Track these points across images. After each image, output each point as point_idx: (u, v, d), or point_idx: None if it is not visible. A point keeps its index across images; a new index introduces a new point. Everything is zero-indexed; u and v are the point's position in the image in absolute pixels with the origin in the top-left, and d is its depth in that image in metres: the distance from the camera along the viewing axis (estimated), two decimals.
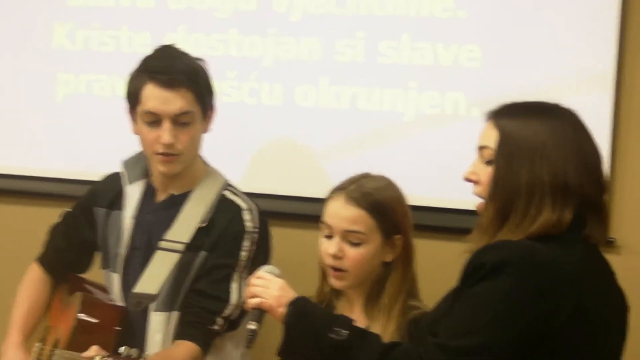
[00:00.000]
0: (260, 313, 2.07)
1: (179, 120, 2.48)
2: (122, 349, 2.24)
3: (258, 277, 2.13)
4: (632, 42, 2.75)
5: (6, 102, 3.18)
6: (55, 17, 3.11)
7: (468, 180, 2.07)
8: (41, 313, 2.72)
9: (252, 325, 2.06)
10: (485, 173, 2.02)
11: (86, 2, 3.09)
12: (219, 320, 2.50)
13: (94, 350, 2.27)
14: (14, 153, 3.16)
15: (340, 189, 2.38)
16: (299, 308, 2.05)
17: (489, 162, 2.01)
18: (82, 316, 2.54)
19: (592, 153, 2.03)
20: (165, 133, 2.47)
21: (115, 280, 2.60)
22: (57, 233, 2.73)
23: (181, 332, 2.51)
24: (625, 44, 2.75)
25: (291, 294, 2.09)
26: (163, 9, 3.04)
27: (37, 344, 2.59)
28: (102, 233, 2.66)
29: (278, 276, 2.14)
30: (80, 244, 2.69)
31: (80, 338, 2.43)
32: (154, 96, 2.47)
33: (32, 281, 2.72)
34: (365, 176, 2.42)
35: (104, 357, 2.25)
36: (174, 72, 2.48)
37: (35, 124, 3.15)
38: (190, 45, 2.82)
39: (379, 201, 2.36)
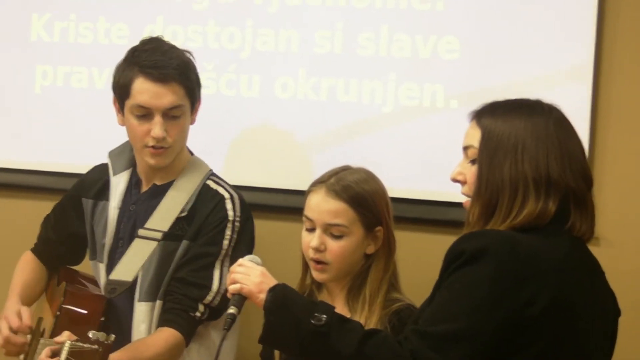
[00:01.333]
0: (240, 299, 2.09)
1: (170, 114, 2.50)
2: (90, 333, 2.26)
3: (240, 265, 2.14)
4: (609, 36, 2.77)
5: None
6: (32, 8, 3.11)
7: (455, 180, 2.09)
8: (37, 291, 2.75)
9: (231, 310, 2.07)
10: (471, 172, 2.04)
11: None
12: (200, 307, 2.51)
13: (65, 335, 2.29)
14: None
15: (320, 182, 2.40)
16: (278, 294, 2.06)
17: (473, 162, 2.04)
18: (66, 306, 2.56)
19: (574, 148, 2.05)
20: (156, 127, 2.49)
21: (101, 271, 2.62)
22: (48, 225, 2.76)
23: (163, 319, 2.53)
24: (602, 38, 2.77)
25: (271, 281, 2.10)
26: (140, 0, 3.05)
27: (28, 336, 2.61)
28: (89, 224, 2.68)
29: (259, 265, 2.15)
30: (70, 236, 2.72)
31: (63, 328, 2.42)
32: (146, 90, 2.50)
33: (28, 261, 2.75)
34: (345, 169, 2.43)
35: (73, 341, 2.27)
36: (165, 66, 2.50)
37: (14, 115, 3.15)
38: (168, 37, 2.76)
39: (359, 194, 2.38)
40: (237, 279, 2.11)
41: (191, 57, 2.60)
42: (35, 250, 2.75)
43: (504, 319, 1.91)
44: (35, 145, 3.13)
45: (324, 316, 2.00)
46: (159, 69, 2.50)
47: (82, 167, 2.80)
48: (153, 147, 2.53)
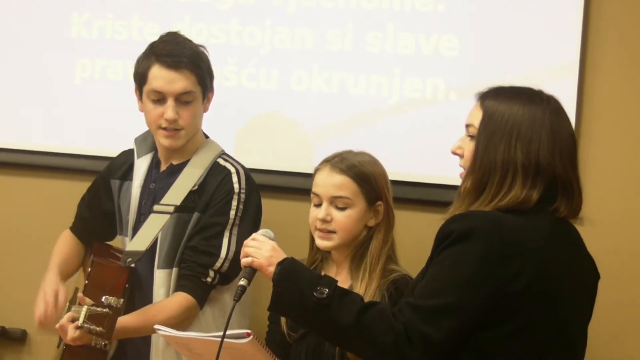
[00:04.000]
0: (251, 271, 2.14)
1: (182, 99, 2.57)
2: (103, 298, 2.39)
3: (252, 239, 2.18)
4: (593, 37, 2.85)
5: (31, 85, 3.25)
6: (73, 8, 3.18)
7: (454, 153, 2.15)
8: (75, 265, 2.83)
9: (242, 282, 2.12)
10: (469, 148, 2.10)
11: None
12: (211, 273, 2.58)
13: (86, 301, 2.39)
14: (37, 131, 3.23)
15: (325, 162, 2.50)
16: (286, 268, 2.09)
17: (472, 138, 2.09)
18: (93, 276, 2.65)
19: (566, 136, 2.09)
20: (169, 109, 2.57)
21: (127, 244, 2.70)
22: (83, 204, 2.85)
23: (177, 285, 2.61)
24: (587, 39, 2.85)
25: (281, 255, 2.14)
26: (170, 1, 3.11)
27: (66, 304, 2.68)
28: (117, 202, 2.76)
29: (272, 239, 2.19)
30: (102, 214, 2.80)
31: (90, 295, 2.50)
32: (160, 76, 2.58)
33: (65, 240, 2.83)
34: (348, 151, 2.51)
35: (90, 305, 2.38)
36: (178, 55, 2.58)
37: (56, 105, 3.21)
38: (194, 34, 2.85)
39: (361, 170, 2.47)
40: (249, 253, 2.16)
41: (204, 51, 2.65)
42: (73, 228, 2.84)
43: (489, 294, 1.97)
44: (74, 131, 3.20)
45: (326, 289, 2.04)
46: (173, 57, 2.58)
47: (114, 151, 2.89)
48: (166, 129, 2.59)
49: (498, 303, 1.98)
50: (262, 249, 2.14)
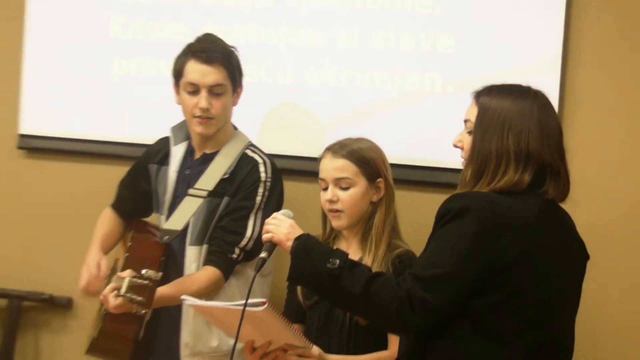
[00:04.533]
0: (271, 245, 2.18)
1: (214, 91, 2.63)
2: (143, 271, 2.43)
3: (273, 218, 2.22)
4: (574, 36, 2.91)
5: (73, 81, 3.30)
6: (112, 10, 3.25)
7: (455, 146, 2.18)
8: (115, 239, 2.87)
9: (263, 254, 2.18)
10: (468, 141, 2.14)
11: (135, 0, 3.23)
12: (237, 250, 2.63)
13: (127, 272, 2.44)
14: (80, 122, 3.30)
15: (327, 150, 2.56)
16: (302, 242, 2.14)
17: (470, 132, 2.13)
18: (132, 249, 2.70)
19: (553, 127, 2.13)
20: (202, 99, 2.62)
21: (162, 222, 2.75)
22: (123, 185, 2.89)
23: (207, 260, 2.65)
24: (569, 34, 2.91)
25: (298, 232, 2.17)
26: (197, 7, 3.17)
27: (108, 274, 2.71)
28: (154, 184, 2.80)
29: (291, 218, 2.22)
30: (139, 194, 2.84)
31: (130, 267, 2.54)
32: (195, 70, 2.64)
33: (107, 217, 2.88)
34: (347, 138, 2.58)
35: (132, 277, 2.42)
36: (212, 51, 2.63)
37: (96, 99, 3.27)
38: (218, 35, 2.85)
39: (358, 152, 2.52)
40: (270, 230, 2.19)
41: (235, 50, 2.70)
42: (113, 206, 2.89)
43: (481, 265, 2.01)
44: (113, 122, 3.26)
45: (338, 261, 2.07)
46: (206, 52, 2.63)
47: (149, 139, 2.94)
48: (199, 117, 2.64)
49: (489, 274, 2.01)
50: (281, 227, 2.18)
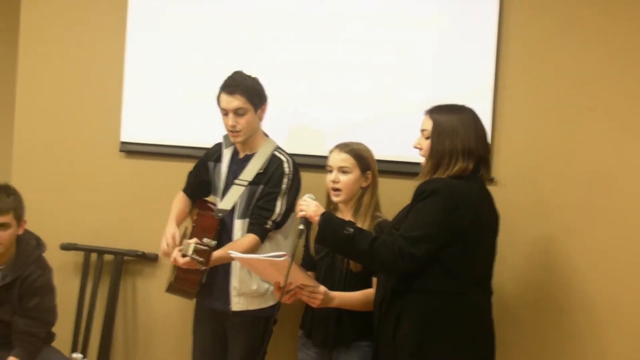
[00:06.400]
0: (305, 221, 2.63)
1: (238, 112, 3.06)
2: (205, 239, 2.77)
3: (304, 200, 2.66)
4: (504, 66, 3.29)
5: (162, 99, 3.64)
6: (190, 47, 3.60)
7: (415, 147, 2.63)
8: (185, 214, 3.28)
9: (300, 226, 2.63)
10: (425, 145, 2.58)
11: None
12: (269, 222, 3.08)
13: (193, 240, 2.81)
14: (164, 131, 3.67)
15: (336, 146, 3.04)
16: (326, 217, 2.58)
17: (427, 138, 2.57)
18: (197, 222, 3.11)
19: (483, 133, 2.59)
20: (230, 119, 3.06)
21: (218, 202, 3.18)
22: (191, 175, 3.33)
23: (248, 229, 3.08)
24: (499, 67, 3.33)
25: (321, 209, 2.62)
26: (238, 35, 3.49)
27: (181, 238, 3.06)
28: (212, 176, 3.25)
29: (315, 200, 2.67)
30: (202, 181, 3.29)
31: (195, 235, 2.97)
32: (223, 100, 3.09)
33: (180, 198, 3.31)
34: (349, 141, 3.05)
35: (196, 243, 2.75)
36: (232, 85, 3.06)
37: (167, 115, 3.65)
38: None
39: (357, 150, 2.99)
40: (303, 208, 2.64)
41: (255, 80, 3.08)
42: (184, 190, 3.35)
43: (448, 228, 2.45)
44: (185, 130, 3.64)
45: (351, 229, 2.53)
46: (229, 87, 3.07)
47: (208, 144, 3.38)
48: (231, 131, 3.07)
49: (453, 233, 2.46)
50: (310, 206, 2.65)
